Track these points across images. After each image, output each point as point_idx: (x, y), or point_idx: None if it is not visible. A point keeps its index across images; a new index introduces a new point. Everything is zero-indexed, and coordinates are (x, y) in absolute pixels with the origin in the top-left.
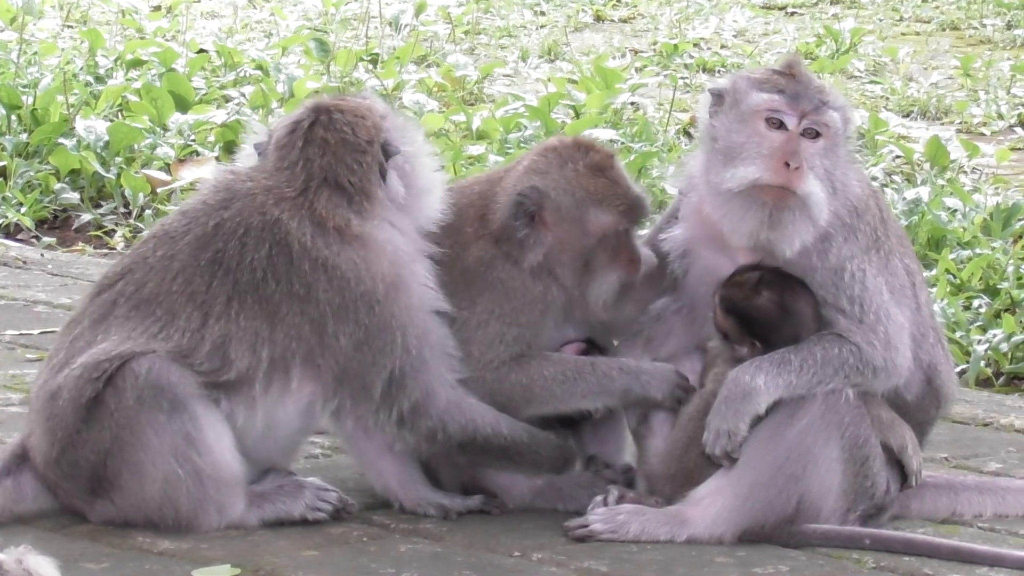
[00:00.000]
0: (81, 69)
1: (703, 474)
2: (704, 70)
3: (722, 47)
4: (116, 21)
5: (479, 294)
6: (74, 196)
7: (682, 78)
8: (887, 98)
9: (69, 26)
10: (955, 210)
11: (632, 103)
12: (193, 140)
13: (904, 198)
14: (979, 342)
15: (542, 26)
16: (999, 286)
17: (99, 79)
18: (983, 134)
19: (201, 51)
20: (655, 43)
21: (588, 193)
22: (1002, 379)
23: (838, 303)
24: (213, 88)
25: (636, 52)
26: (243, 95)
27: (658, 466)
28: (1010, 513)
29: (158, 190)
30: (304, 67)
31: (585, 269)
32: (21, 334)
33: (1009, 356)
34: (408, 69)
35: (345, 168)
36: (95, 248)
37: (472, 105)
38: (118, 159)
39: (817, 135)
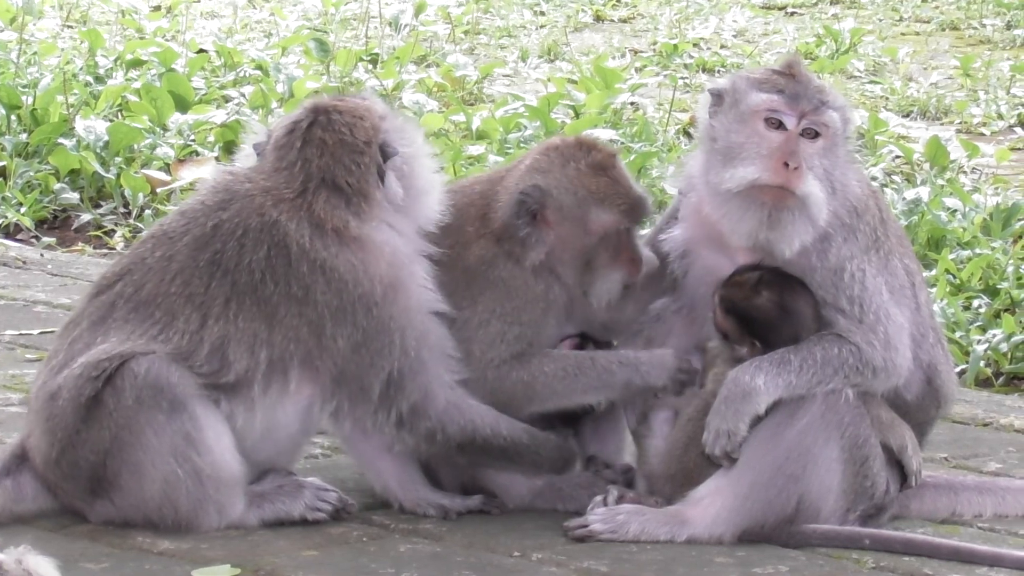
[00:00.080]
0: (81, 69)
1: (703, 474)
2: (704, 70)
3: (722, 47)
4: (116, 21)
5: (480, 293)
6: (74, 196)
7: (682, 78)
8: (887, 98)
9: (69, 26)
10: (955, 210)
11: (632, 103)
12: (193, 140)
13: (904, 198)
14: (979, 342)
15: (542, 26)
16: (999, 286)
17: (99, 79)
18: (983, 134)
19: (201, 51)
20: (655, 43)
21: (590, 192)
22: (1002, 379)
23: (838, 303)
24: (213, 88)
25: (636, 52)
26: (243, 95)
27: (658, 466)
28: (1010, 513)
29: (158, 190)
30: (304, 67)
31: (586, 268)
32: (21, 334)
33: (1009, 356)
34: (408, 69)
35: (343, 169)
36: (95, 248)
37: (472, 105)
38: (118, 159)
39: (816, 135)
